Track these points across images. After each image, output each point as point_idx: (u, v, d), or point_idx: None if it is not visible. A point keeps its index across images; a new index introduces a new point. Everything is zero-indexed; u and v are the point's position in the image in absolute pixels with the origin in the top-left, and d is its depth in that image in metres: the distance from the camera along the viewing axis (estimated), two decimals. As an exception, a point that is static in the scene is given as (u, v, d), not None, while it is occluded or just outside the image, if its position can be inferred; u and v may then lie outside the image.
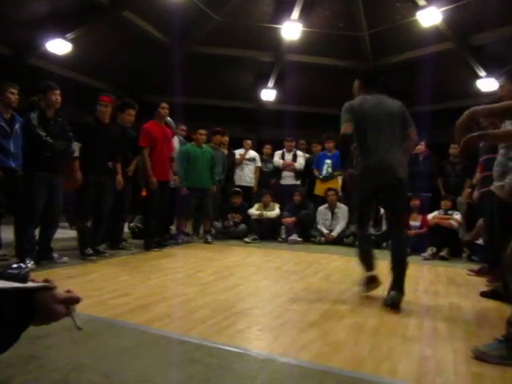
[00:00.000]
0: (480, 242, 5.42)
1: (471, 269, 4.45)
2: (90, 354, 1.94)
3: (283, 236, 6.69)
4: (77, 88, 7.74)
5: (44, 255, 4.11)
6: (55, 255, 4.19)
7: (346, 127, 3.21)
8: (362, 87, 3.48)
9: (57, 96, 4.11)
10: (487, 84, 9.37)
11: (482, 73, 9.42)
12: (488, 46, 8.96)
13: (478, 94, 9.56)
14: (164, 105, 5.42)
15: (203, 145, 6.23)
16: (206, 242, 6.07)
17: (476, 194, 4.45)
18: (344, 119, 3.26)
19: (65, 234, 5.19)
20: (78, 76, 9.40)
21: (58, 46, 8.26)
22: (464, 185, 6.40)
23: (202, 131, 6.21)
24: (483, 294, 3.43)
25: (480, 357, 2.05)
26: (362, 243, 3.44)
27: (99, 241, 4.74)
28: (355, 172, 3.27)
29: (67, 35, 8.30)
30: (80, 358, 1.89)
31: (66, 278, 3.48)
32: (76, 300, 1.10)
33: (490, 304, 3.23)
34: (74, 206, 4.85)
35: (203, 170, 6.08)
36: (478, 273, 4.31)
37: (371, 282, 3.31)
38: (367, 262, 3.34)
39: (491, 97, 8.99)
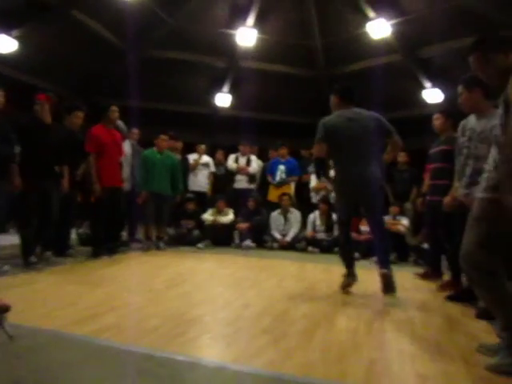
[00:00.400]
0: (425, 246, 5.65)
1: (417, 272, 4.62)
2: (31, 369, 1.84)
3: (237, 242, 6.68)
4: (23, 89, 7.39)
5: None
6: (-5, 265, 3.96)
7: (317, 150, 3.48)
8: (339, 103, 3.62)
9: (1, 97, 3.92)
10: (433, 95, 9.85)
11: (428, 84, 9.88)
12: (434, 59, 9.42)
13: (424, 105, 10.02)
14: (114, 108, 5.27)
15: (165, 150, 6.15)
16: (159, 248, 5.96)
17: (419, 200, 4.64)
18: (316, 140, 3.48)
19: (5, 240, 4.92)
20: (25, 76, 8.98)
21: (2, 44, 7.87)
22: (411, 191, 6.66)
23: (164, 137, 6.13)
24: (450, 298, 3.52)
25: (498, 370, 2.01)
26: (339, 245, 3.85)
27: (44, 248, 4.53)
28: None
29: (12, 32, 7.93)
30: (20, 373, 1.79)
31: (8, 288, 3.30)
32: (5, 308, 1.04)
33: (435, 306, 3.37)
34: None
35: (161, 175, 5.98)
36: (423, 276, 4.48)
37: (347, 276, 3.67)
38: (345, 260, 3.69)
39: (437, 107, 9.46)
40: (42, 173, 4.33)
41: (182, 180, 6.49)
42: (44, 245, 4.59)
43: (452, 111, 3.86)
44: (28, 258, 4.24)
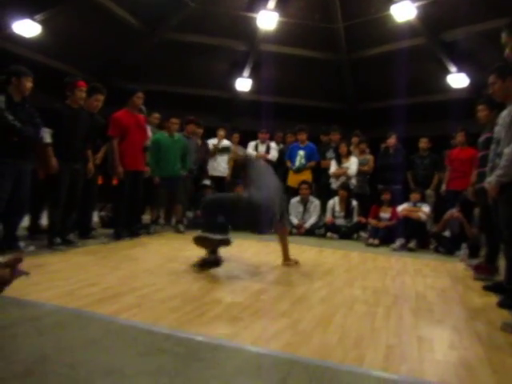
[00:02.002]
0: (447, 233, 5.58)
1: (470, 264, 4.33)
2: (55, 345, 1.90)
3: (256, 226, 6.69)
4: (45, 72, 7.49)
5: (9, 244, 3.97)
6: (21, 244, 4.07)
7: None
8: None
9: (30, 82, 3.98)
10: (458, 79, 9.59)
11: (453, 68, 9.63)
12: (459, 43, 9.15)
13: (449, 90, 9.79)
14: (140, 94, 5.27)
15: (176, 133, 6.13)
16: (178, 231, 6.01)
17: (470, 189, 4.49)
18: None
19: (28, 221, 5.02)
20: (47, 59, 9.08)
21: (26, 28, 7.96)
22: (432, 178, 6.56)
23: (175, 120, 6.09)
24: (486, 288, 3.45)
25: None
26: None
27: (69, 230, 4.63)
28: None
29: (36, 17, 8.01)
30: (44, 349, 1.84)
31: (33, 268, 3.37)
32: (19, 260, 1.07)
33: (456, 293, 3.34)
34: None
35: (175, 159, 5.98)
36: (476, 269, 4.11)
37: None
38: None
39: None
40: (72, 156, 4.44)
41: (189, 161, 6.44)
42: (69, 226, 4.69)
43: (496, 101, 3.64)
44: (53, 238, 4.34)
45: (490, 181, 3.06)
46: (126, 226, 5.28)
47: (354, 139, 7.39)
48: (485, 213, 3.95)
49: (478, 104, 4.07)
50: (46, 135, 4.25)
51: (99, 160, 5.14)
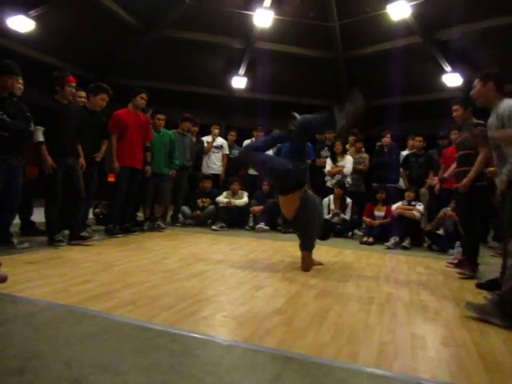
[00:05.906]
0: (440, 232, 5.61)
1: (450, 261, 4.46)
2: (49, 342, 1.90)
3: (251, 224, 6.70)
4: (40, 68, 7.45)
5: (2, 240, 3.96)
6: (15, 240, 4.05)
7: None
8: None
9: (17, 82, 3.91)
10: (452, 79, 9.63)
11: (448, 68, 9.66)
12: (454, 42, 9.19)
13: (444, 89, 9.82)
14: (143, 95, 5.35)
15: (162, 129, 6.09)
16: (159, 228, 5.93)
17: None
18: None
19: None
20: (41, 55, 9.03)
21: (20, 23, 7.90)
22: (427, 176, 6.59)
23: (161, 116, 5.99)
24: (479, 286, 3.46)
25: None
26: None
27: (78, 226, 4.59)
28: None
29: (30, 12, 7.95)
30: (39, 346, 1.84)
31: (27, 264, 3.38)
32: None
33: (449, 291, 3.36)
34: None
35: (160, 155, 5.92)
36: (457, 265, 4.22)
37: None
38: None
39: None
40: (64, 152, 4.37)
41: (182, 157, 6.45)
42: (79, 223, 4.66)
43: (470, 99, 3.76)
44: (53, 235, 4.31)
45: (502, 178, 3.10)
46: (120, 222, 5.29)
47: (351, 138, 7.41)
48: (466, 212, 4.04)
49: (452, 105, 4.18)
50: (38, 133, 4.20)
51: (99, 158, 5.12)
